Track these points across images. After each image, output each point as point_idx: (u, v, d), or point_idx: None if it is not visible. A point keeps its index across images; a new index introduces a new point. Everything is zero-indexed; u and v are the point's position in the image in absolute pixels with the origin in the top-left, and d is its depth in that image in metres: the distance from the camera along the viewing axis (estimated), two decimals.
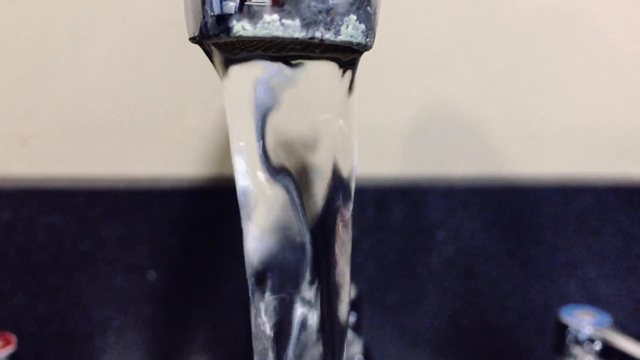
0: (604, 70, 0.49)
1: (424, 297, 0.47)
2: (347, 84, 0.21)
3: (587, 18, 0.47)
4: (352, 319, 0.41)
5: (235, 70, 0.20)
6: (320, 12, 0.18)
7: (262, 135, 0.20)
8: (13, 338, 0.34)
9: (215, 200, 0.43)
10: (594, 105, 0.49)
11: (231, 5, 0.17)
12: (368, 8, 0.19)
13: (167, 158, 0.44)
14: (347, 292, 0.22)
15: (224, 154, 0.44)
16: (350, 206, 0.22)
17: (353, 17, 0.18)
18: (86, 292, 0.42)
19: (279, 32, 0.17)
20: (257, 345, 0.22)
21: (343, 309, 0.22)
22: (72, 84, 0.42)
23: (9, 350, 0.34)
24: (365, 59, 0.22)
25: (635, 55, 0.49)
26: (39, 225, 0.41)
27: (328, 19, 0.18)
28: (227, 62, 0.20)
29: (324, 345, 0.22)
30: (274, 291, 0.21)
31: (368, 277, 0.46)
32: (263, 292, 0.21)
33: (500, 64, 0.47)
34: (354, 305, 0.42)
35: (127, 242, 0.42)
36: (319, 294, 0.22)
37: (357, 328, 0.42)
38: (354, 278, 0.45)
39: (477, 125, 0.48)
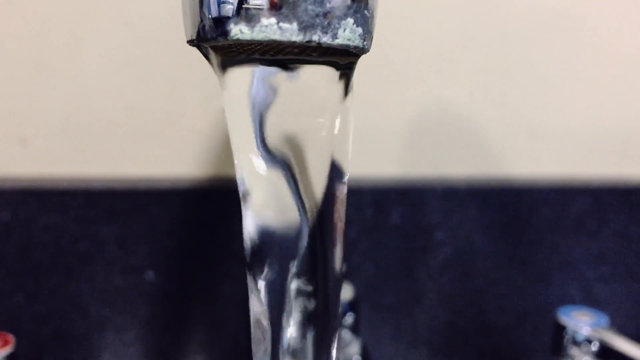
0: (601, 71, 0.49)
1: (422, 298, 0.47)
2: (345, 86, 0.21)
3: (585, 19, 0.47)
4: (350, 319, 0.41)
5: (233, 72, 0.20)
6: (317, 15, 0.18)
7: (260, 132, 0.20)
8: (11, 338, 0.34)
9: (214, 201, 0.43)
10: (592, 107, 0.49)
11: (229, 9, 0.17)
12: (365, 11, 0.19)
13: (165, 159, 0.44)
14: (340, 271, 0.23)
15: (223, 154, 0.44)
16: (344, 192, 0.22)
17: (350, 20, 0.18)
18: (84, 292, 0.42)
19: (276, 36, 0.17)
20: (255, 328, 0.23)
21: (337, 284, 0.23)
22: (71, 84, 0.42)
23: (7, 350, 0.34)
24: (363, 61, 0.22)
25: (633, 57, 0.49)
26: (37, 226, 0.41)
27: (325, 23, 0.18)
28: (225, 65, 0.20)
29: (320, 321, 0.23)
30: (270, 269, 0.22)
31: (366, 277, 0.46)
32: (260, 271, 0.22)
33: (499, 65, 0.47)
34: (352, 306, 0.42)
35: (126, 243, 0.42)
36: (313, 273, 0.22)
37: (355, 328, 0.42)
38: (352, 279, 0.45)
39: (476, 126, 0.48)
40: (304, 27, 0.17)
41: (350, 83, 0.21)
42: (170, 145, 0.44)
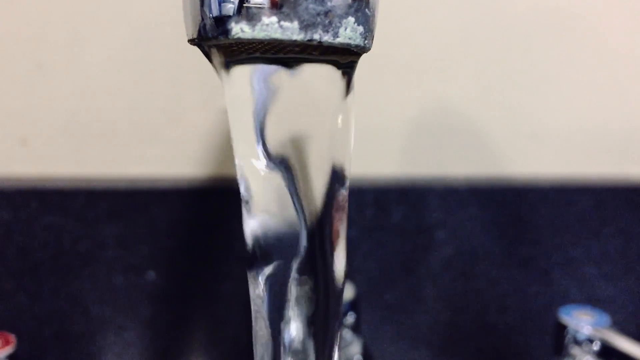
0: (602, 71, 0.49)
1: (423, 297, 0.47)
2: (346, 85, 0.21)
3: (585, 19, 0.47)
4: (351, 319, 0.41)
5: (234, 71, 0.20)
6: (318, 14, 0.18)
7: (261, 132, 0.20)
8: (12, 338, 0.34)
9: (215, 201, 0.43)
10: (592, 106, 0.49)
11: (230, 7, 0.17)
12: (366, 10, 0.19)
13: (166, 158, 0.44)
14: (342, 273, 0.23)
15: (223, 154, 0.44)
16: (345, 192, 0.22)
17: (351, 19, 0.18)
18: (86, 292, 0.42)
19: (277, 34, 0.17)
20: (256, 330, 0.23)
21: (339, 287, 0.23)
22: (71, 84, 0.42)
23: (8, 350, 0.34)
24: (364, 60, 0.22)
25: (633, 56, 0.49)
26: (38, 226, 0.41)
27: (326, 21, 0.18)
28: (226, 64, 0.20)
29: (320, 327, 0.23)
30: (271, 271, 0.22)
31: (367, 277, 0.46)
32: (261, 273, 0.22)
33: (499, 65, 0.47)
34: (353, 305, 0.42)
35: (127, 242, 0.42)
36: (314, 275, 0.22)
37: (356, 328, 0.42)
38: (353, 278, 0.45)
39: (477, 125, 0.48)
40: (305, 26, 0.17)
41: (352, 82, 0.21)
42: (171, 145, 0.44)
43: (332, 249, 0.22)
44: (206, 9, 0.18)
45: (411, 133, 0.47)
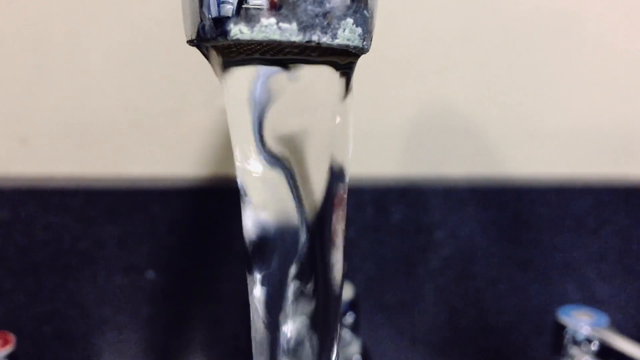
0: (602, 71, 0.49)
1: (422, 297, 0.48)
2: (344, 86, 0.21)
3: (585, 19, 0.47)
4: (350, 319, 0.41)
5: (233, 72, 0.20)
6: (317, 15, 0.18)
7: (260, 132, 0.20)
8: (12, 337, 0.34)
9: (215, 200, 0.43)
10: (592, 106, 0.49)
11: (229, 8, 0.17)
12: (365, 11, 0.19)
13: (166, 158, 0.44)
14: (340, 272, 0.23)
15: (223, 154, 0.44)
16: (344, 192, 0.23)
17: (350, 20, 0.18)
18: (85, 292, 0.42)
19: (276, 36, 0.17)
20: (254, 329, 0.23)
21: (338, 286, 0.23)
22: (71, 83, 0.42)
23: (8, 349, 0.34)
24: (364, 60, 0.22)
25: (633, 57, 0.49)
26: (38, 225, 0.41)
27: (325, 23, 0.18)
28: (225, 65, 0.20)
29: (318, 327, 0.23)
30: (270, 270, 0.22)
31: (366, 277, 0.46)
32: (260, 272, 0.22)
33: (499, 65, 0.47)
34: (352, 305, 0.42)
35: (126, 242, 0.43)
36: (313, 274, 0.22)
37: (355, 328, 0.42)
38: (352, 278, 0.45)
39: (476, 125, 0.48)
40: (303, 27, 0.18)
41: (350, 83, 0.21)
42: (170, 145, 0.44)
43: (331, 248, 0.22)
44: (205, 10, 0.18)
45: (411, 133, 0.47)
